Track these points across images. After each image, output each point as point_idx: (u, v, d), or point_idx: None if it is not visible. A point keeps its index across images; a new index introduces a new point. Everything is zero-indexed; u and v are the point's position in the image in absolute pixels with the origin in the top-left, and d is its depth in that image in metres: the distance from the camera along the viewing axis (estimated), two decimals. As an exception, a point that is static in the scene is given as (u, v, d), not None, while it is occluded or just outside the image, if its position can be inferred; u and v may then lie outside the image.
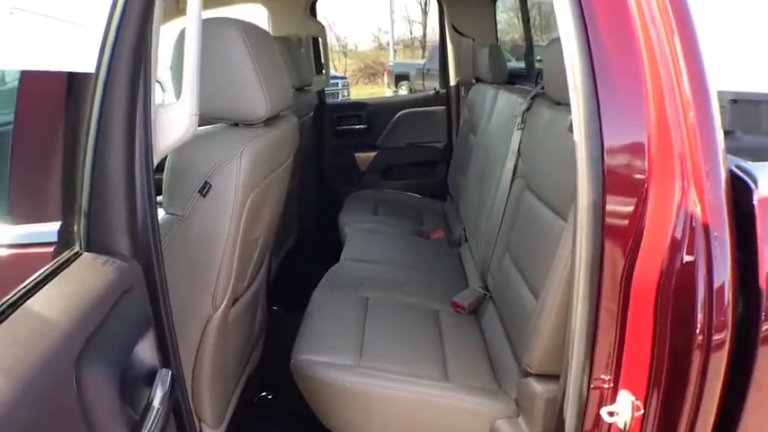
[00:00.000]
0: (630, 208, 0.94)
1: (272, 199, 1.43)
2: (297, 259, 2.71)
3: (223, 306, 1.25)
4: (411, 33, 17.27)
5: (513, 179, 1.81)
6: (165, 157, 1.17)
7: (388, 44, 16.98)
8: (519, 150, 1.81)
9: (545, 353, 1.21)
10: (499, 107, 2.30)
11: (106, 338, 0.63)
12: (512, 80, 2.69)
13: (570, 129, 0.99)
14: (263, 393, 1.91)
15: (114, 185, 0.80)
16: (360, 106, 3.39)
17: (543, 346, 1.21)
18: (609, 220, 0.94)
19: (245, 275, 1.41)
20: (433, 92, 3.44)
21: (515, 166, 1.81)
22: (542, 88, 1.83)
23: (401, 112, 3.31)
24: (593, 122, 0.93)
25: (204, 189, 1.15)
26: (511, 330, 1.51)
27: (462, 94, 3.19)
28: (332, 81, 9.43)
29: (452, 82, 3.27)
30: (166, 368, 0.80)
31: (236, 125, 1.31)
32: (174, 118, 0.92)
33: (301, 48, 2.93)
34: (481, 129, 2.50)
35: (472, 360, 1.51)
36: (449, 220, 2.77)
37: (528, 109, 1.82)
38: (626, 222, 0.95)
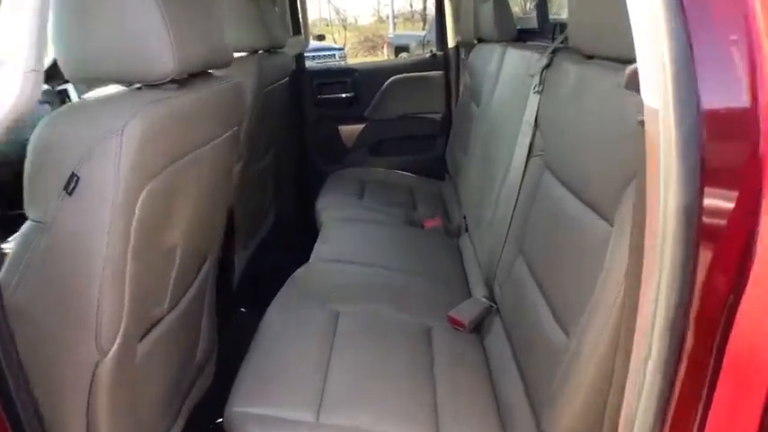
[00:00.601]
0: (732, 205, 0.58)
1: (193, 188, 1.05)
2: (272, 251, 2.38)
3: (117, 346, 0.89)
4: (411, 6, 17.11)
5: (528, 157, 1.42)
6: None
7: (387, 17, 16.77)
8: (536, 121, 1.41)
9: (576, 418, 0.84)
10: (508, 68, 1.90)
11: None
12: (521, 38, 2.28)
13: (630, 86, 0.62)
14: (219, 420, 1.57)
15: None
16: (345, 72, 3.00)
17: (575, 408, 0.84)
18: (707, 223, 0.57)
19: (161, 298, 1.04)
20: (429, 54, 3.03)
21: (531, 142, 1.41)
22: (563, 42, 1.43)
23: (393, 77, 2.93)
24: (683, 75, 0.55)
25: (70, 184, 0.79)
26: (523, 360, 1.14)
27: (462, 56, 2.82)
28: (329, 52, 9.28)
29: (451, 44, 2.89)
30: None
31: (140, 88, 0.95)
32: None
33: (275, 5, 2.54)
34: (485, 96, 2.11)
35: (472, 404, 1.14)
36: (447, 205, 2.41)
37: (548, 65, 1.41)
38: (728, 231, 0.58)
